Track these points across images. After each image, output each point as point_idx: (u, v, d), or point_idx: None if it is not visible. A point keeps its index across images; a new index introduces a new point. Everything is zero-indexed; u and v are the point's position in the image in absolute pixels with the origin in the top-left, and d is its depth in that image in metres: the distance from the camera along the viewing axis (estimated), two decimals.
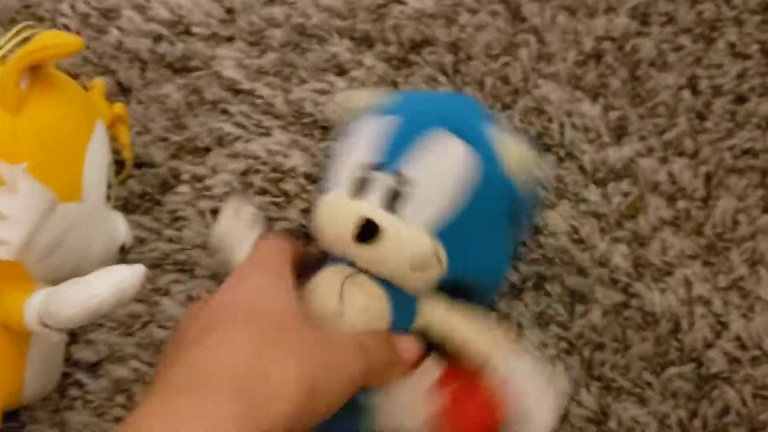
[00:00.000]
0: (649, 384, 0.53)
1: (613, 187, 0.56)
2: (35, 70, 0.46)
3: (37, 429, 0.51)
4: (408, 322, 0.47)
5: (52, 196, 0.45)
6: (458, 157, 0.44)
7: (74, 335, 0.53)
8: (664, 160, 0.57)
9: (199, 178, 0.57)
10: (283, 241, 0.47)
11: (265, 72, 0.59)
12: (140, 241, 0.55)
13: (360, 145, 0.46)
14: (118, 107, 0.55)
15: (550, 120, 0.58)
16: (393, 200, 0.44)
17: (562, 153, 0.57)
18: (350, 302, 0.45)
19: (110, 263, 0.47)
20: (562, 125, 0.58)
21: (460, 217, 0.44)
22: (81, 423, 0.51)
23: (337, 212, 0.45)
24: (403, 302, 0.46)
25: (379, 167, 0.44)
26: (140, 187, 0.56)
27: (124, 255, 0.52)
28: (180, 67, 0.59)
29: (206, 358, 0.38)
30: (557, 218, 0.56)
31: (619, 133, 0.58)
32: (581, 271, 0.55)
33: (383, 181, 0.44)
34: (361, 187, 0.45)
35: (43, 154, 0.45)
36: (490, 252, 0.47)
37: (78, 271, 0.46)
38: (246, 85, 0.59)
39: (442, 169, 0.44)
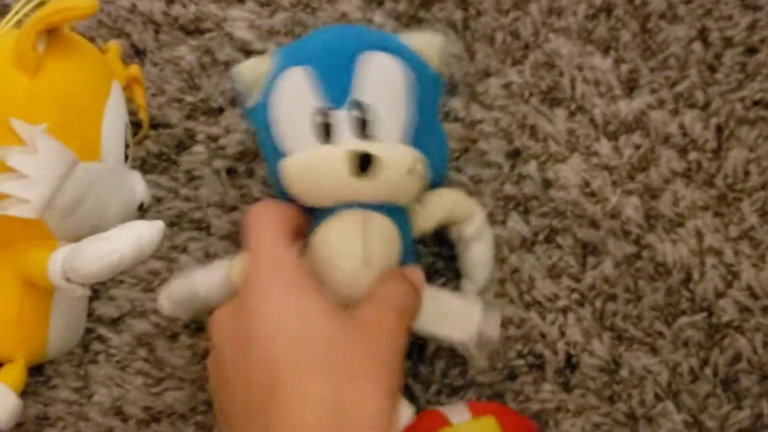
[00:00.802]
0: (660, 333, 0.53)
1: (624, 140, 0.57)
2: (52, 33, 0.47)
3: (61, 382, 0.52)
4: (409, 236, 0.49)
5: (72, 156, 0.46)
6: (389, 66, 0.46)
7: (96, 291, 0.54)
8: (675, 113, 0.57)
9: (213, 138, 0.58)
10: (277, 211, 0.46)
11: (276, 32, 0.60)
12: (157, 200, 0.56)
13: (300, 96, 0.46)
14: (134, 69, 0.55)
15: (560, 74, 0.58)
16: (363, 126, 0.46)
17: (573, 107, 0.57)
18: (372, 244, 0.46)
19: (129, 221, 0.47)
20: (573, 79, 0.58)
21: (413, 116, 0.47)
22: (104, 376, 0.52)
23: (320, 162, 0.45)
24: (401, 221, 0.48)
25: (333, 105, 0.46)
26: (156, 148, 0.57)
27: (142, 213, 0.53)
28: (193, 29, 0.60)
29: (282, 424, 0.37)
30: (568, 171, 0.56)
31: (630, 86, 0.58)
32: (593, 224, 0.55)
33: (347, 115, 0.46)
34: (327, 131, 0.46)
35: (61, 114, 0.46)
36: (440, 135, 0.51)
37: (98, 229, 0.47)
38: (258, 46, 0.59)
39: (387, 84, 0.46)
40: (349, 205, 0.46)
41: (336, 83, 0.46)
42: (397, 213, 0.48)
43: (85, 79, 0.49)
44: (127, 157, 0.52)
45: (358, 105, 0.45)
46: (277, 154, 0.48)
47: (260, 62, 0.49)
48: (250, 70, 0.49)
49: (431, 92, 0.49)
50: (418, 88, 0.47)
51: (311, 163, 0.46)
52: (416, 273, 0.47)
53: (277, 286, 0.42)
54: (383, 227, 0.47)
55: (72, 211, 0.47)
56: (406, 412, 0.47)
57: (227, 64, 0.59)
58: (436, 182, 0.51)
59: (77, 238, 0.46)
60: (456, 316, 0.49)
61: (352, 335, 0.40)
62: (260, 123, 0.49)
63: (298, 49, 0.48)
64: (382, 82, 0.46)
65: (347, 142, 0.45)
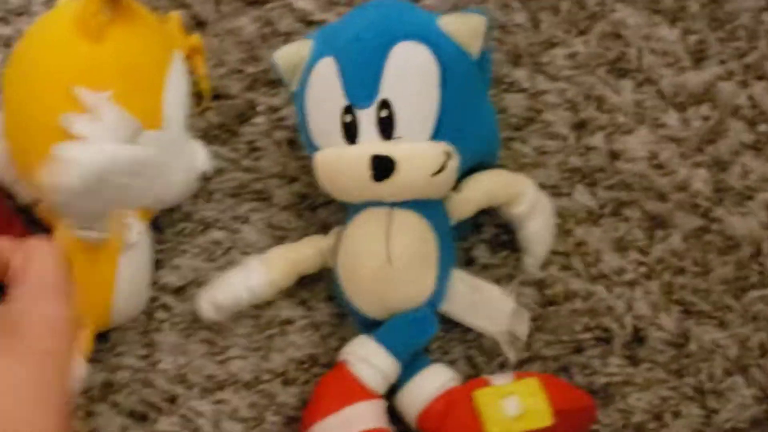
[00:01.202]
0: (729, 307, 0.52)
1: (692, 112, 0.56)
2: (115, 2, 0.47)
3: (127, 350, 0.53)
4: (446, 224, 0.49)
5: (136, 123, 0.46)
6: (421, 59, 0.45)
7: (160, 261, 0.54)
8: (744, 84, 0.56)
9: (274, 109, 0.57)
10: None
11: (336, 2, 0.59)
12: (219, 171, 0.56)
13: (329, 92, 0.47)
14: (195, 39, 0.55)
15: (627, 45, 0.57)
16: (388, 127, 0.45)
17: (640, 78, 0.56)
18: (397, 242, 0.47)
19: (190, 189, 0.49)
20: (639, 50, 0.57)
21: (447, 108, 0.46)
22: (168, 344, 0.53)
23: (344, 163, 0.46)
24: (437, 214, 0.48)
25: (360, 104, 0.45)
26: (218, 119, 0.57)
27: (204, 183, 0.53)
28: (253, 0, 0.59)
29: None
30: (636, 144, 0.55)
31: (698, 56, 0.57)
32: (661, 196, 0.54)
33: (370, 115, 0.45)
34: (353, 130, 0.46)
35: (124, 82, 0.46)
36: (483, 118, 0.50)
37: (161, 196, 0.47)
38: (318, 16, 0.59)
39: (413, 78, 0.46)
40: (378, 202, 0.47)
41: (364, 81, 0.46)
42: (430, 205, 0.48)
43: (147, 48, 0.48)
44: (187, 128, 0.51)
45: (385, 105, 0.45)
46: (311, 145, 0.49)
47: (300, 47, 0.49)
48: (290, 56, 0.50)
49: (471, 78, 0.47)
50: (454, 78, 0.46)
51: (335, 164, 0.47)
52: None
53: None
54: (410, 224, 0.47)
55: (137, 175, 0.47)
56: (445, 376, 0.48)
57: (288, 35, 0.59)
58: (487, 162, 0.51)
59: (142, 206, 0.46)
60: (489, 311, 0.49)
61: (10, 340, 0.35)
62: (298, 111, 0.50)
63: (332, 37, 0.48)
64: (412, 77, 0.45)
65: (370, 145, 0.46)
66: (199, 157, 0.52)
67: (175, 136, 0.50)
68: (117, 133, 0.45)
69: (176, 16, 0.55)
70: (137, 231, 0.48)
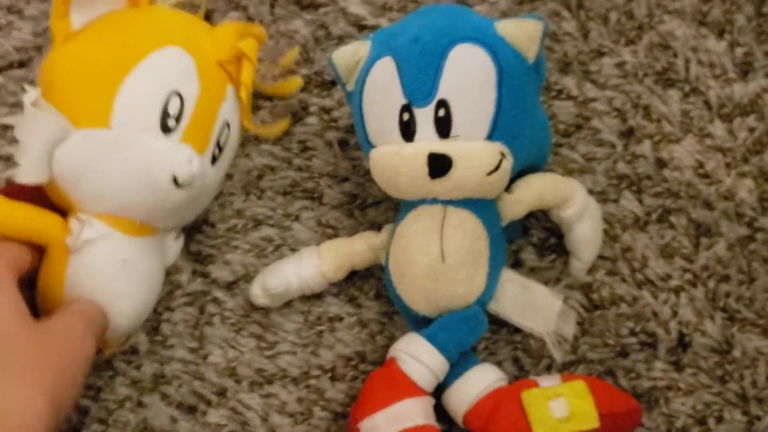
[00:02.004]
0: None
1: (738, 123, 0.56)
2: (129, 6, 0.47)
3: (178, 342, 0.53)
4: (498, 225, 0.50)
5: (62, 121, 0.44)
6: (479, 61, 0.46)
7: (211, 256, 0.55)
8: None
9: (326, 110, 0.58)
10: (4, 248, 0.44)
11: (389, 8, 0.60)
12: (271, 169, 0.57)
13: (388, 90, 0.47)
14: (246, 44, 0.50)
15: (675, 55, 0.58)
16: (445, 126, 0.46)
17: (687, 88, 0.57)
18: (450, 240, 0.47)
19: (163, 196, 0.45)
20: (687, 61, 0.58)
21: (504, 109, 0.46)
22: (219, 338, 0.54)
23: (402, 160, 0.47)
24: (489, 214, 0.49)
25: (419, 103, 0.46)
26: (271, 118, 0.58)
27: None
28: (308, 3, 0.61)
29: None
30: (683, 152, 0.56)
31: (745, 69, 0.58)
32: (707, 205, 0.55)
33: (428, 114, 0.46)
34: (411, 128, 0.46)
35: (68, 81, 0.45)
36: (537, 121, 0.50)
37: (121, 201, 0.45)
38: (371, 21, 0.60)
39: (471, 79, 0.46)
40: (433, 199, 0.48)
41: (423, 81, 0.46)
42: (483, 205, 0.49)
43: (104, 48, 0.46)
44: (169, 129, 0.46)
45: (443, 104, 0.46)
46: (367, 143, 0.49)
47: (358, 48, 0.50)
48: (347, 56, 0.50)
49: (527, 82, 0.48)
50: (510, 81, 0.46)
51: (392, 161, 0.47)
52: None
53: None
54: (464, 222, 0.48)
55: (77, 179, 0.45)
56: (493, 376, 0.49)
57: (341, 38, 0.60)
58: (537, 166, 0.52)
59: (105, 210, 0.45)
60: (537, 311, 0.50)
61: (34, 338, 0.40)
62: (355, 110, 0.50)
63: (391, 38, 0.49)
64: (470, 78, 0.46)
65: (428, 143, 0.46)
66: (169, 159, 0.45)
67: (129, 138, 0.45)
68: (38, 131, 0.43)
69: (232, 25, 0.52)
70: (84, 235, 0.45)
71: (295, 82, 0.57)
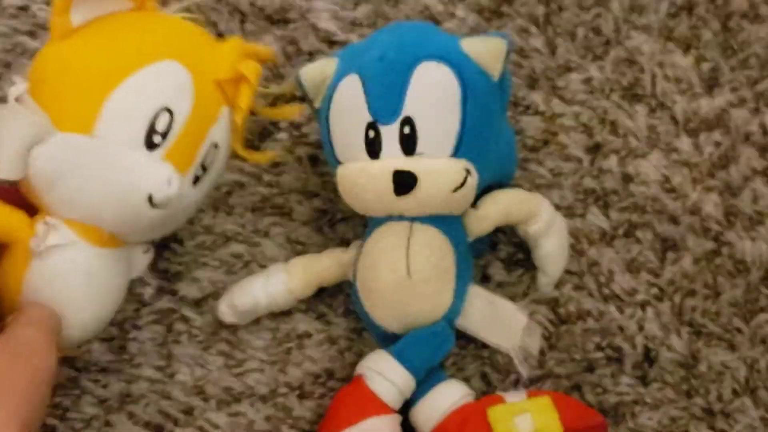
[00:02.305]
0: (738, 330, 0.53)
1: (704, 138, 0.57)
2: (135, 9, 0.46)
3: (144, 361, 0.53)
4: (464, 241, 0.50)
5: (44, 122, 0.43)
6: (444, 79, 0.47)
7: (179, 273, 0.55)
8: (756, 111, 0.57)
9: (296, 126, 0.58)
10: None
11: (359, 24, 0.61)
12: (240, 185, 0.57)
13: (353, 108, 0.48)
14: (247, 67, 0.48)
15: (641, 71, 0.58)
16: (410, 143, 0.46)
17: (653, 103, 0.58)
18: (417, 256, 0.48)
19: (135, 213, 0.45)
20: (654, 76, 0.58)
21: (468, 126, 0.47)
22: (187, 356, 0.53)
23: (367, 178, 0.47)
24: (456, 230, 0.49)
25: (384, 121, 0.47)
26: (247, 134, 0.58)
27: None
28: (278, 19, 0.61)
29: None
30: (649, 167, 0.56)
31: (711, 84, 0.58)
32: (673, 219, 0.55)
33: (393, 131, 0.47)
34: (377, 145, 0.47)
35: (58, 80, 0.44)
36: (502, 138, 0.51)
37: (93, 211, 0.44)
38: (341, 37, 0.60)
39: (436, 96, 0.47)
40: (399, 216, 0.48)
41: (388, 98, 0.47)
42: (449, 221, 0.49)
43: (101, 52, 0.45)
44: (154, 145, 0.44)
45: (408, 122, 0.46)
46: (334, 160, 0.50)
47: (325, 65, 0.50)
48: (315, 73, 0.51)
49: (491, 99, 0.48)
50: (475, 98, 0.47)
51: (358, 179, 0.48)
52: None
53: None
54: (430, 238, 0.48)
55: (52, 182, 0.44)
56: (460, 392, 0.49)
57: (311, 54, 0.60)
58: (504, 181, 0.52)
59: (76, 218, 0.45)
60: (503, 326, 0.51)
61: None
62: (322, 127, 0.50)
63: (357, 56, 0.49)
64: (435, 96, 0.46)
65: (393, 160, 0.47)
66: (150, 177, 0.44)
67: (112, 149, 0.44)
68: (16, 127, 0.42)
69: (236, 42, 0.50)
70: (50, 240, 0.44)
71: (293, 109, 0.55)
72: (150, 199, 0.44)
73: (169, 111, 0.44)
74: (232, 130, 0.49)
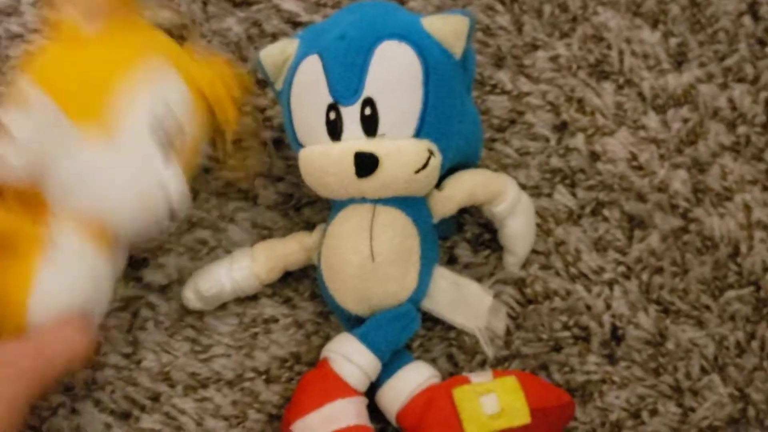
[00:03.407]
0: (707, 307, 0.53)
1: (672, 114, 0.56)
2: (123, 18, 0.46)
3: (110, 348, 0.53)
4: (429, 222, 0.50)
5: (66, 124, 0.43)
6: (405, 58, 0.46)
7: (145, 260, 0.55)
8: (724, 86, 0.57)
9: (260, 109, 0.58)
10: None
11: (323, 4, 0.60)
12: (205, 170, 0.56)
13: (314, 89, 0.47)
14: (233, 89, 0.50)
15: (609, 47, 0.58)
16: (372, 125, 0.46)
17: (621, 80, 0.57)
18: (381, 238, 0.48)
19: (152, 217, 0.45)
20: (621, 52, 0.57)
21: (431, 106, 0.46)
22: (153, 342, 0.53)
23: (329, 160, 0.47)
24: (420, 211, 0.49)
25: (345, 102, 0.46)
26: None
27: (175, 222, 0.50)
28: (241, 1, 0.60)
29: None
30: (616, 145, 0.56)
31: (679, 59, 0.58)
32: (640, 197, 0.55)
33: (354, 112, 0.46)
34: (338, 127, 0.46)
35: (76, 87, 0.44)
36: (466, 118, 0.50)
37: (115, 214, 0.45)
38: (305, 17, 0.60)
39: (397, 76, 0.46)
40: (362, 199, 0.48)
41: (348, 79, 0.46)
42: (413, 203, 0.49)
43: (113, 58, 0.46)
44: (168, 156, 0.46)
45: (369, 102, 0.46)
46: (296, 143, 0.49)
47: (285, 46, 0.50)
48: (275, 55, 0.50)
49: (454, 78, 0.48)
50: (437, 77, 0.46)
51: (320, 162, 0.47)
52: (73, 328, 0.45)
53: None
54: (393, 220, 0.48)
55: (73, 189, 0.44)
56: (425, 373, 0.49)
57: (275, 36, 0.59)
58: (469, 162, 0.52)
59: (86, 226, 0.45)
60: (468, 307, 0.50)
61: None
62: (284, 109, 0.50)
63: (318, 36, 0.48)
64: (396, 75, 0.46)
65: (354, 142, 0.46)
66: (167, 188, 0.46)
67: (130, 156, 0.45)
68: (38, 127, 0.43)
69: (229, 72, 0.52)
70: (69, 236, 0.44)
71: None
72: (171, 212, 0.46)
73: (179, 124, 0.47)
74: (220, 146, 0.52)
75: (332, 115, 0.47)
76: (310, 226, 0.55)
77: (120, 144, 0.44)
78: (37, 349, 0.42)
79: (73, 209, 0.45)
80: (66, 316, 0.44)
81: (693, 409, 0.52)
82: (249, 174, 0.56)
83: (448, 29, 0.47)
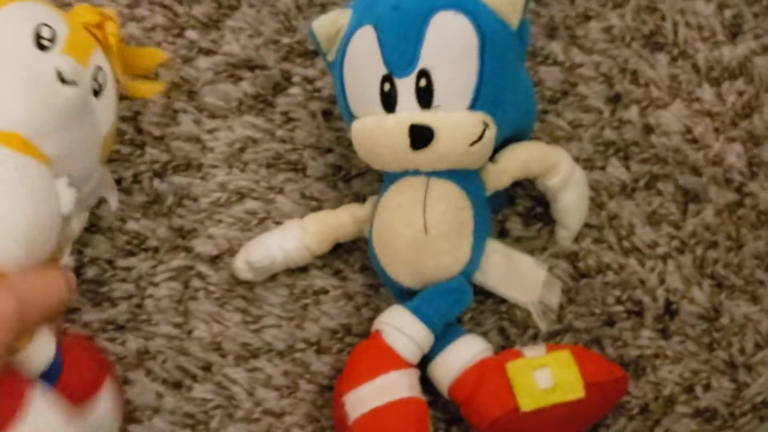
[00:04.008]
0: (761, 282, 0.53)
1: (727, 86, 0.55)
2: None
3: (162, 318, 0.53)
4: (482, 196, 0.49)
5: None
6: (461, 29, 0.45)
7: (195, 230, 0.55)
8: None
9: (309, 80, 0.58)
10: None
11: None
12: (254, 141, 0.56)
13: (368, 61, 0.46)
14: (108, 10, 0.50)
15: (663, 18, 0.57)
16: (427, 96, 0.45)
17: (675, 52, 0.56)
18: (434, 211, 0.47)
19: (50, 94, 0.44)
20: (675, 24, 0.57)
21: (486, 78, 0.45)
22: (204, 312, 0.53)
23: (384, 132, 0.46)
24: (473, 184, 0.49)
25: (399, 73, 0.45)
26: (253, 89, 0.58)
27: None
28: None
29: None
30: (670, 118, 0.55)
31: (734, 31, 0.57)
32: (695, 171, 0.54)
33: (409, 84, 0.45)
34: (392, 98, 0.46)
35: None
36: (521, 89, 0.49)
37: (12, 110, 0.43)
38: None
39: (453, 47, 0.45)
40: (415, 171, 0.47)
41: (404, 50, 0.45)
42: (466, 175, 0.48)
43: None
44: (44, 47, 0.46)
45: (424, 74, 0.45)
46: (349, 114, 0.49)
47: (338, 16, 0.49)
48: (327, 25, 0.49)
49: (510, 49, 0.47)
50: (493, 48, 0.45)
51: (373, 133, 0.47)
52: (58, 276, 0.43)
53: None
54: (447, 193, 0.47)
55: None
56: (478, 347, 0.49)
57: (324, 6, 0.59)
58: (522, 134, 0.51)
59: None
60: (522, 281, 0.50)
61: None
62: (336, 81, 0.49)
63: (371, 6, 0.48)
64: (452, 47, 0.45)
65: (409, 114, 0.46)
66: (53, 63, 0.45)
67: (5, 53, 0.44)
68: None
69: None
70: None
71: (156, 86, 0.56)
72: (60, 77, 0.44)
73: (48, 26, 0.46)
74: (111, 68, 0.50)
75: (387, 87, 0.46)
76: (359, 198, 0.54)
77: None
78: (15, 292, 0.39)
79: None
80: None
81: (747, 385, 0.51)
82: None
83: (504, 0, 0.46)
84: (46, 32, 0.46)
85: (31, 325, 0.41)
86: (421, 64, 0.45)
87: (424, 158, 0.46)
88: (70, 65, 0.45)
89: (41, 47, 0.45)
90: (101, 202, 0.53)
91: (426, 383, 0.49)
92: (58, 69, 0.44)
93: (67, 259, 0.47)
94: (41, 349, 0.43)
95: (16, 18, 0.46)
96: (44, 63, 0.45)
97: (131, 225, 0.54)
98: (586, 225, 0.53)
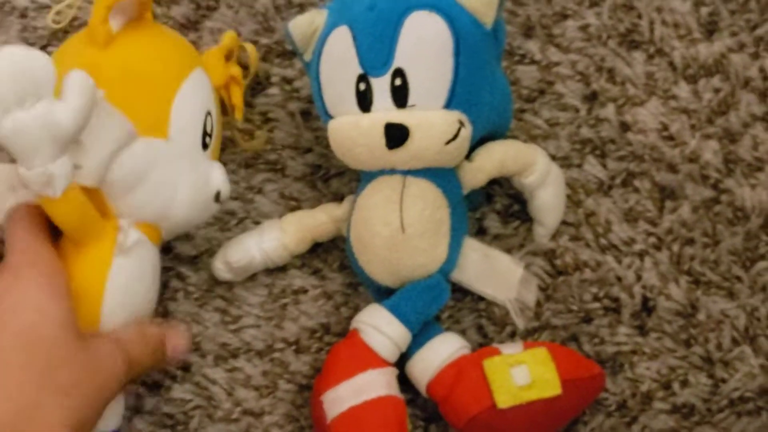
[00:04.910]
0: (738, 278, 0.53)
1: (703, 84, 0.56)
2: (135, 19, 0.47)
3: None
4: (459, 194, 0.49)
5: (129, 127, 0.44)
6: (436, 29, 0.45)
7: None
8: (755, 56, 0.56)
9: (288, 80, 0.58)
10: (37, 211, 0.44)
11: None
12: (233, 141, 0.56)
13: (344, 60, 0.47)
14: (234, 69, 0.53)
15: (639, 16, 0.57)
16: (402, 96, 0.46)
17: (651, 50, 0.57)
18: (410, 210, 0.47)
19: (203, 210, 0.48)
20: (651, 21, 0.57)
21: (461, 77, 0.46)
22: (183, 312, 0.53)
23: (359, 131, 0.46)
24: (450, 182, 0.49)
25: (375, 73, 0.46)
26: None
27: (221, 203, 0.51)
28: None
29: None
30: (647, 115, 0.55)
31: (710, 28, 0.57)
32: (671, 168, 0.54)
33: (385, 83, 0.46)
34: (368, 98, 0.46)
35: (126, 87, 0.45)
36: (496, 88, 0.49)
37: (165, 212, 0.46)
38: None
39: (427, 46, 0.45)
40: (392, 170, 0.47)
41: (378, 49, 0.46)
42: (443, 174, 0.48)
43: (157, 59, 0.47)
44: (206, 146, 0.48)
45: (399, 73, 0.45)
46: (326, 114, 0.49)
47: (314, 17, 0.49)
48: (304, 26, 0.50)
49: (485, 48, 0.47)
50: (467, 48, 0.46)
51: (350, 133, 0.47)
52: (177, 335, 0.47)
53: (28, 282, 0.41)
54: (423, 191, 0.47)
55: (131, 186, 0.45)
56: (455, 344, 0.49)
57: (302, 6, 0.59)
58: (499, 133, 0.51)
59: (141, 218, 0.46)
60: (499, 278, 0.50)
61: (78, 358, 0.40)
62: (313, 81, 0.50)
63: (347, 6, 0.48)
64: (427, 46, 0.45)
65: (384, 113, 0.46)
66: (213, 176, 0.48)
67: (183, 150, 0.47)
68: (106, 134, 0.43)
69: (220, 50, 0.53)
70: (132, 238, 0.45)
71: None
72: (217, 196, 0.48)
73: (210, 114, 0.49)
74: (231, 125, 0.55)
75: (362, 86, 0.46)
76: (338, 198, 0.55)
77: (174, 143, 0.46)
78: (124, 354, 0.42)
79: (132, 206, 0.45)
80: (138, 315, 0.45)
81: (724, 380, 0.51)
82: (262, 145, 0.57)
83: None
84: (209, 125, 0.49)
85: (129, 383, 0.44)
86: (396, 63, 0.45)
87: (400, 157, 0.46)
88: (228, 187, 0.49)
89: (204, 146, 0.48)
90: None
91: (404, 382, 0.49)
92: (219, 190, 0.49)
93: None
94: (114, 410, 0.47)
95: (196, 101, 0.48)
96: (205, 166, 0.48)
97: None
98: (564, 222, 0.54)
